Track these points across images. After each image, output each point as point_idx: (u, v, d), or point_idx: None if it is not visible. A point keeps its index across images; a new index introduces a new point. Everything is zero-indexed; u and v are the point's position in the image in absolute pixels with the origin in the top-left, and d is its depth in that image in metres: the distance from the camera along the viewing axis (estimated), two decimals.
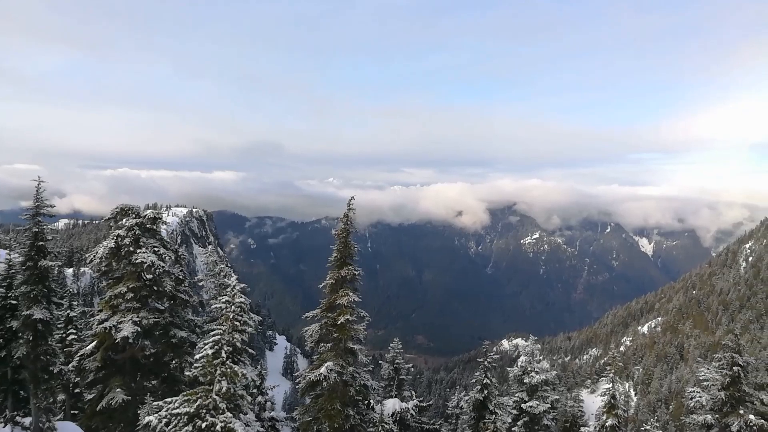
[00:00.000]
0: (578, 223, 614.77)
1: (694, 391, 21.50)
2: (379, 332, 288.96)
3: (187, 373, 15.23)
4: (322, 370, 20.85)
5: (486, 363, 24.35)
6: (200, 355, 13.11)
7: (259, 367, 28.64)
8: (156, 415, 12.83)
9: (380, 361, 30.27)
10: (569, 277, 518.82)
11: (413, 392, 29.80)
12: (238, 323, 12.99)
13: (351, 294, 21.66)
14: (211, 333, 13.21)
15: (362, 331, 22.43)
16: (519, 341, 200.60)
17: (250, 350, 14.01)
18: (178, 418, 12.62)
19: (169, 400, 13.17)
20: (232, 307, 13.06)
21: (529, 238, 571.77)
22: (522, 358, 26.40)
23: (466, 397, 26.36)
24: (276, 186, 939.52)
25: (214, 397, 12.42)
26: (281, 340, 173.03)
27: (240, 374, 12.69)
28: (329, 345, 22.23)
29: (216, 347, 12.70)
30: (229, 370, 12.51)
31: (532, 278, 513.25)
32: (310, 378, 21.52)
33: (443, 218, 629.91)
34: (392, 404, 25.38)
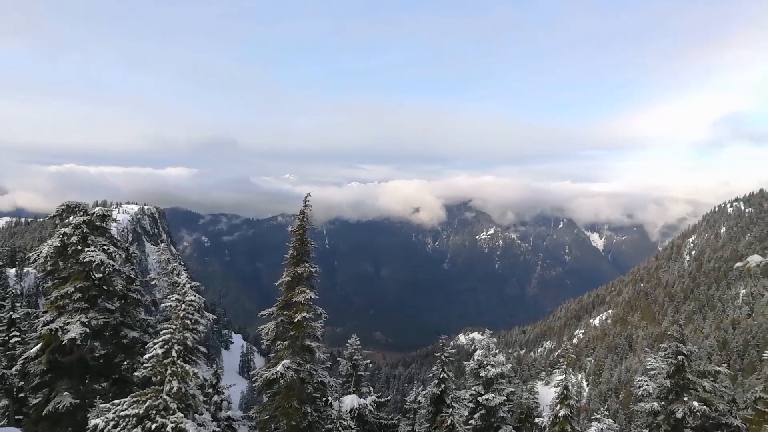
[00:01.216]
0: (532, 218, 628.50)
1: (641, 380, 22.19)
2: (337, 329, 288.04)
3: (136, 374, 14.72)
4: (279, 368, 20.60)
5: (443, 357, 24.53)
6: (150, 354, 12.70)
7: (214, 366, 28.13)
8: (103, 417, 12.36)
9: (338, 358, 30.15)
10: (523, 272, 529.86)
11: (371, 388, 29.77)
12: (189, 322, 12.65)
13: (308, 291, 21.44)
14: (161, 332, 12.83)
15: (319, 328, 22.23)
16: (475, 335, 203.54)
17: (203, 349, 13.69)
18: (127, 419, 12.18)
19: (117, 401, 12.71)
20: (183, 305, 12.71)
21: (484, 233, 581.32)
22: (478, 351, 26.75)
23: (424, 392, 26.50)
24: (231, 182, 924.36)
25: (165, 397, 12.05)
26: (237, 339, 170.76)
27: (192, 373, 12.35)
28: (286, 343, 21.97)
29: (166, 346, 12.33)
30: (180, 369, 12.16)
31: (488, 273, 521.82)
32: (266, 376, 21.23)
33: (401, 215, 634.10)
34: (350, 401, 25.31)
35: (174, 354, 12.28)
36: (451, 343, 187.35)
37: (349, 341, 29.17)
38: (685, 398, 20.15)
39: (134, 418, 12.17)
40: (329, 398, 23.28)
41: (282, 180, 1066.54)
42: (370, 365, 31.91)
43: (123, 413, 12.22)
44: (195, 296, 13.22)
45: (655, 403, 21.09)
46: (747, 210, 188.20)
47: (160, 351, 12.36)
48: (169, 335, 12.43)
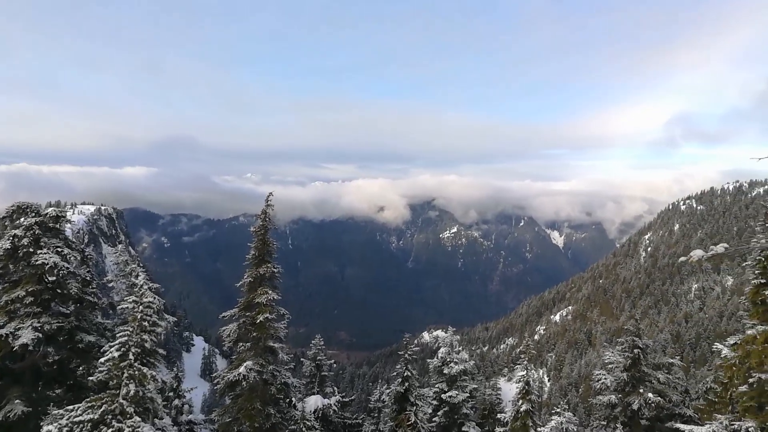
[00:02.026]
0: (494, 217, 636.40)
1: (600, 374, 22.71)
2: (301, 330, 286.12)
3: (90, 378, 14.25)
4: (241, 369, 20.35)
5: (407, 356, 24.64)
6: (106, 358, 12.33)
7: (175, 369, 27.56)
8: (56, 424, 11.95)
9: (302, 359, 29.93)
10: (486, 270, 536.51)
11: (336, 388, 29.69)
12: (147, 324, 12.35)
13: (270, 292, 21.25)
14: (118, 335, 12.49)
15: (282, 329, 22.08)
16: (439, 333, 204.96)
17: (162, 351, 13.38)
18: (81, 425, 11.79)
19: (71, 407, 12.29)
20: (140, 307, 12.40)
21: (447, 232, 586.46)
22: (442, 349, 26.94)
23: (388, 390, 26.58)
24: (191, 182, 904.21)
25: (121, 401, 11.72)
26: (199, 341, 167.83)
27: (150, 376, 12.06)
28: (248, 344, 21.71)
29: (123, 349, 12.00)
30: (137, 372, 11.85)
31: (451, 271, 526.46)
32: (228, 378, 20.95)
33: (365, 214, 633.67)
34: (314, 401, 25.17)
35: (131, 357, 11.97)
36: (415, 342, 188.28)
37: (312, 341, 28.99)
38: (641, 390, 20.71)
39: (89, 424, 11.80)
40: (293, 399, 23.12)
41: (244, 179, 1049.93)
42: (335, 365, 31.80)
43: (77, 419, 11.83)
44: (153, 298, 12.91)
45: (613, 396, 21.61)
46: (699, 207, 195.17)
47: (116, 354, 12.02)
48: (126, 338, 12.11)
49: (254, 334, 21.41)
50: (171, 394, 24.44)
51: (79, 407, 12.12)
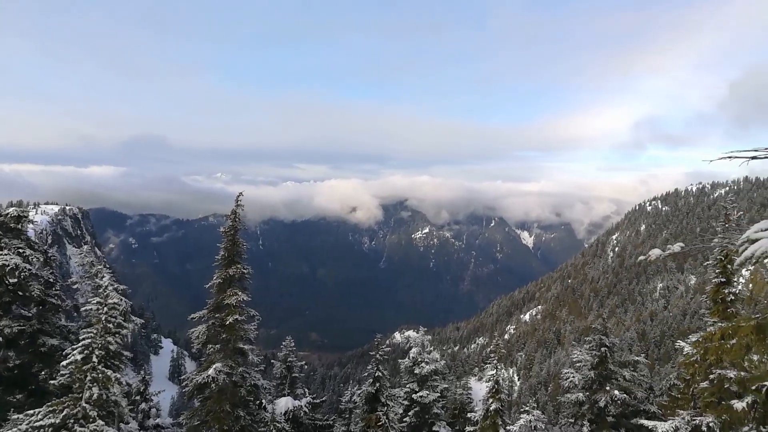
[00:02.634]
0: (465, 217, 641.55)
1: (568, 372, 23.10)
2: (272, 331, 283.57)
3: (52, 382, 13.86)
4: (210, 371, 20.07)
5: (378, 356, 24.64)
6: (68, 361, 12.00)
7: (142, 372, 27.02)
8: (15, 429, 11.58)
9: (272, 360, 29.74)
10: (457, 270, 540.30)
11: (307, 389, 29.52)
12: (111, 325, 12.06)
13: (240, 293, 21.03)
14: (81, 337, 12.18)
15: (252, 330, 21.88)
16: (411, 333, 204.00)
17: (128, 354, 13.11)
18: (42, 430, 11.47)
19: (31, 412, 11.92)
20: (105, 308, 12.11)
21: (419, 232, 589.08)
22: (413, 349, 27.02)
23: (359, 391, 26.53)
24: (160, 182, 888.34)
25: (84, 405, 11.42)
26: (167, 344, 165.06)
27: (114, 379, 11.77)
28: (218, 346, 21.44)
29: (86, 352, 11.70)
30: (101, 375, 11.56)
31: (423, 271, 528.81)
32: (197, 380, 20.63)
33: (337, 214, 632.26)
34: (285, 403, 24.98)
35: (95, 359, 11.68)
36: (387, 342, 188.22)
37: (283, 343, 28.78)
38: (608, 388, 21.11)
39: (50, 429, 11.47)
40: (263, 401, 22.91)
41: (214, 179, 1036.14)
42: (306, 367, 31.65)
43: (37, 424, 11.49)
44: (119, 299, 12.64)
45: (581, 394, 22.00)
46: (664, 208, 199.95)
47: (79, 357, 11.72)
48: (90, 340, 11.81)
49: (224, 335, 21.16)
50: (138, 397, 24.00)
51: (39, 412, 11.78)
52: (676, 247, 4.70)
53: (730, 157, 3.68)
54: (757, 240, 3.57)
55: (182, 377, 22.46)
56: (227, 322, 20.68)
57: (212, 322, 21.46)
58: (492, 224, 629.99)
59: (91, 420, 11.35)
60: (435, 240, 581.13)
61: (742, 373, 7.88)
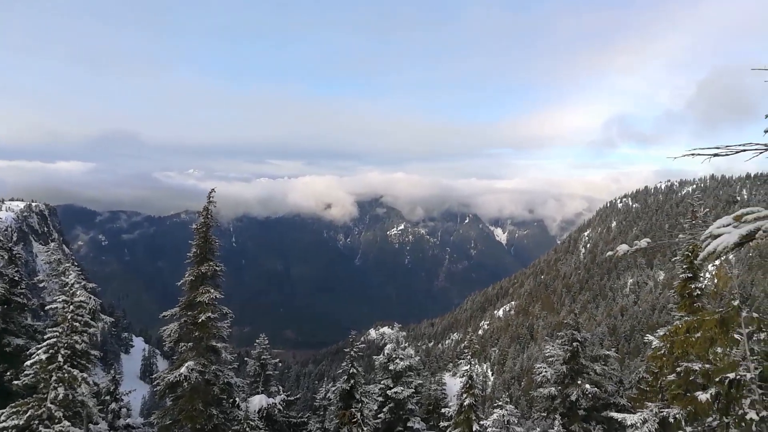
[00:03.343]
0: (440, 214, 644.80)
1: (541, 367, 23.41)
2: (245, 329, 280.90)
3: (16, 382, 13.49)
4: (183, 370, 19.82)
5: (352, 353, 24.63)
6: (32, 360, 11.70)
7: (112, 371, 26.52)
8: None
9: (246, 358, 29.48)
10: (432, 266, 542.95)
11: (280, 387, 29.35)
12: (78, 324, 11.80)
13: (212, 291, 20.83)
14: (46, 336, 11.88)
15: (225, 328, 21.69)
16: (385, 330, 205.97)
17: (96, 353, 12.85)
18: None
19: None
20: (71, 306, 11.83)
21: (395, 229, 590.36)
22: (388, 346, 27.06)
23: (334, 388, 26.51)
24: (131, 178, 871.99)
25: (49, 405, 11.15)
26: (138, 342, 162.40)
27: (81, 379, 11.52)
28: (190, 344, 21.19)
29: (51, 351, 11.41)
30: (67, 375, 11.30)
31: (398, 268, 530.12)
32: (169, 379, 20.35)
33: (312, 211, 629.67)
34: (258, 400, 24.82)
35: (60, 359, 11.40)
36: (362, 339, 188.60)
37: (257, 340, 28.59)
38: (579, 382, 21.46)
39: (14, 430, 11.19)
40: (236, 399, 22.72)
41: (186, 175, 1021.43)
42: (280, 364, 31.45)
43: (1, 426, 11.20)
44: (86, 297, 12.36)
45: (553, 388, 22.32)
46: (634, 205, 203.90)
47: (44, 356, 11.42)
48: (55, 339, 11.53)
49: (196, 333, 20.92)
50: (107, 397, 23.58)
51: (3, 413, 11.46)
52: (643, 242, 4.79)
53: (693, 155, 3.77)
54: (719, 235, 3.66)
55: (154, 376, 22.13)
56: (200, 320, 20.45)
57: (184, 320, 21.21)
58: (466, 221, 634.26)
59: (56, 421, 11.08)
60: (410, 237, 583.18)
61: (707, 366, 8.08)
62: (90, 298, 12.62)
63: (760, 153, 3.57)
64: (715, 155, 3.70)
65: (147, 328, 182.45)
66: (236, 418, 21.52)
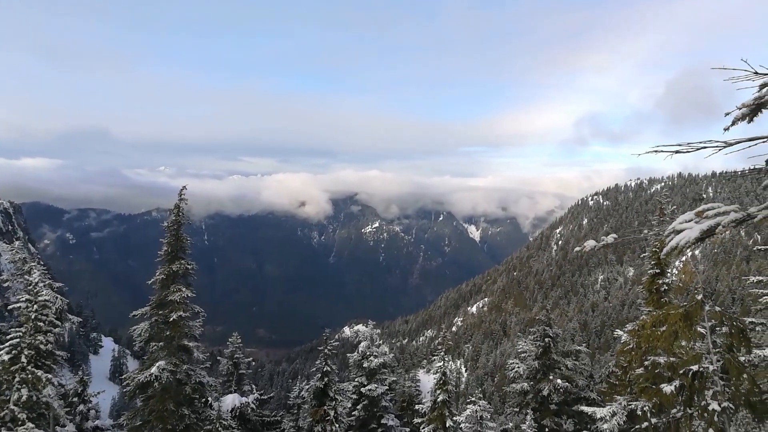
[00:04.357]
0: (414, 212, 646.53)
1: (513, 363, 23.70)
2: (218, 328, 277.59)
3: None
4: (153, 369, 19.54)
5: (326, 351, 24.60)
6: None
7: (80, 372, 26.01)
8: None
9: (219, 357, 29.25)
10: (406, 264, 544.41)
11: (254, 386, 29.22)
12: (42, 324, 11.52)
13: (184, 289, 20.62)
14: (9, 336, 11.57)
15: (198, 327, 21.53)
16: (360, 327, 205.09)
17: (62, 353, 12.58)
18: None
19: None
20: (35, 306, 11.54)
21: (369, 227, 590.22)
22: (362, 343, 27.10)
23: (308, 386, 26.45)
24: (100, 175, 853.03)
25: (12, 407, 10.88)
26: (108, 342, 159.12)
27: (45, 380, 11.26)
28: (161, 344, 20.93)
29: (14, 352, 11.12)
30: (30, 376, 11.03)
31: (373, 266, 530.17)
32: (139, 379, 20.04)
33: (286, 209, 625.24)
34: (231, 400, 24.64)
35: (24, 359, 11.11)
36: (336, 337, 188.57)
37: (230, 339, 28.39)
38: (551, 377, 21.78)
39: None
40: (209, 399, 22.50)
41: (157, 172, 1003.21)
42: (253, 363, 31.27)
43: None
44: (52, 296, 12.08)
45: (525, 383, 22.61)
46: (605, 203, 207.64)
47: (6, 357, 11.12)
48: (18, 339, 11.23)
49: (167, 333, 20.68)
50: (75, 399, 23.11)
51: None
52: (609, 238, 4.89)
53: (656, 151, 3.86)
54: (682, 230, 3.75)
55: (123, 376, 21.79)
56: (171, 319, 20.23)
57: (155, 319, 20.96)
58: (440, 219, 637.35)
59: (20, 423, 10.81)
60: (385, 234, 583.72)
61: (672, 359, 8.29)
62: (56, 297, 12.32)
63: (719, 150, 3.69)
64: (677, 152, 3.80)
65: (117, 328, 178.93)
66: (209, 417, 21.32)
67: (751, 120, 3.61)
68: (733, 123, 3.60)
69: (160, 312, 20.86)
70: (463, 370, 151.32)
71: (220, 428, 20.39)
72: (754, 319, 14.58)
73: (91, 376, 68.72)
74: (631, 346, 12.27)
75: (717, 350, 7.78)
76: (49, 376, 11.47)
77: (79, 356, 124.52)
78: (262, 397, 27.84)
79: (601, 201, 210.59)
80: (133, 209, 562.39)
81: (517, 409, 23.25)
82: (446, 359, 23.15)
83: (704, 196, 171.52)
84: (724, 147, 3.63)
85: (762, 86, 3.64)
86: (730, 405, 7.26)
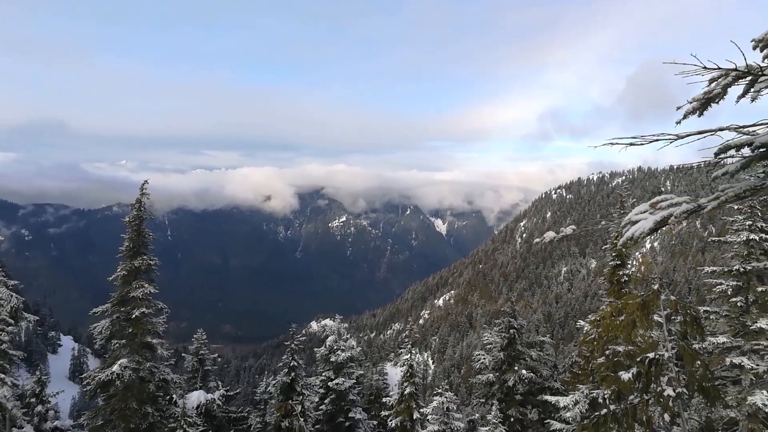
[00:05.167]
0: (382, 206, 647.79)
1: (479, 354, 24.03)
2: (182, 324, 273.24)
3: None
4: (115, 368, 19.17)
5: (293, 346, 24.49)
6: None
7: (38, 372, 25.29)
8: None
9: (184, 354, 28.83)
10: (374, 257, 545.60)
11: (220, 382, 28.86)
12: None
13: (146, 285, 20.31)
14: None
15: (161, 324, 21.28)
16: (327, 322, 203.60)
17: (17, 353, 12.23)
18: None
19: None
20: None
21: (336, 221, 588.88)
22: (330, 338, 27.07)
23: (274, 381, 26.29)
24: (58, 169, 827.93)
25: None
26: (67, 341, 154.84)
27: None
28: (123, 341, 20.54)
29: None
30: None
31: (340, 260, 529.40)
32: (100, 378, 19.63)
33: (251, 203, 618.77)
34: (197, 396, 24.30)
35: None
36: (303, 331, 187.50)
37: (194, 336, 27.99)
38: (516, 367, 22.16)
39: None
40: (173, 396, 22.18)
41: (118, 167, 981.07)
42: (219, 359, 30.94)
43: None
44: (5, 294, 11.71)
45: (491, 374, 22.96)
46: (568, 196, 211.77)
47: None
48: None
49: (130, 330, 20.33)
50: (33, 399, 22.47)
51: None
52: (568, 230, 5.00)
53: (612, 143, 3.97)
54: (637, 221, 3.87)
55: (84, 375, 21.32)
56: (133, 316, 19.89)
57: (117, 316, 20.57)
58: (407, 212, 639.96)
59: None
60: (352, 228, 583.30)
61: (630, 347, 8.55)
62: (10, 295, 11.93)
63: (671, 142, 3.80)
64: (632, 144, 3.90)
65: (77, 326, 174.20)
66: (173, 415, 21.02)
67: (701, 114, 3.74)
68: (685, 117, 3.72)
69: (122, 309, 20.50)
70: (430, 362, 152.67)
71: (185, 425, 20.10)
72: (708, 308, 15.15)
73: (50, 375, 66.79)
74: (592, 336, 12.59)
75: (672, 338, 8.06)
76: (3, 376, 11.13)
77: (37, 356, 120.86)
78: (229, 393, 27.54)
79: (565, 194, 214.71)
80: (93, 204, 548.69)
81: (483, 400, 23.60)
82: (413, 352, 23.32)
83: (662, 189, 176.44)
84: (676, 139, 3.75)
85: (711, 81, 3.76)
86: (685, 390, 7.54)
